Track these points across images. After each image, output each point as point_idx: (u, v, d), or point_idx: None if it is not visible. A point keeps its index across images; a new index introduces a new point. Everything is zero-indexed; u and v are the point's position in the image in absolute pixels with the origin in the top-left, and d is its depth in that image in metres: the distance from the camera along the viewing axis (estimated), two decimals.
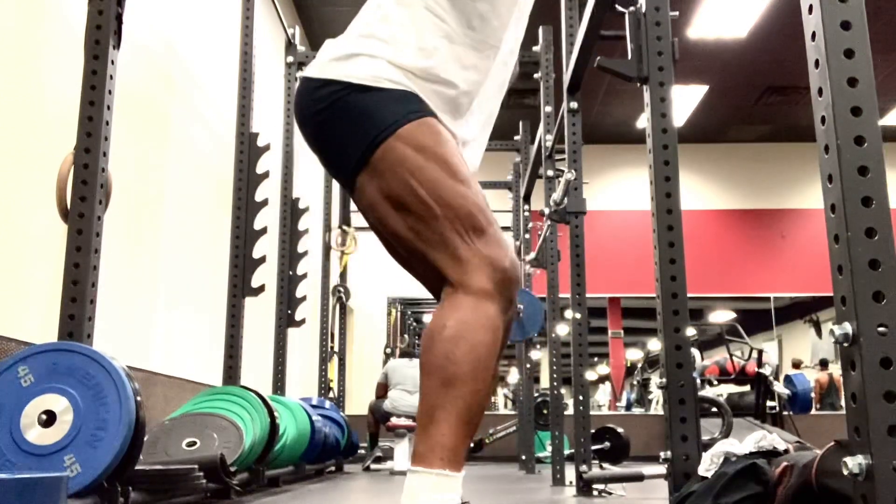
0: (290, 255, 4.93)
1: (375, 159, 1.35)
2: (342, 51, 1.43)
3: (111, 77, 2.32)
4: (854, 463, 1.01)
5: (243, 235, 3.94)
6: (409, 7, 1.43)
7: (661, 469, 2.51)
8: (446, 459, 1.23)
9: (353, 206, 7.32)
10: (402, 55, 1.39)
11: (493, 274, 1.31)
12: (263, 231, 4.00)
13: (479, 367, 1.27)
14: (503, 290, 1.31)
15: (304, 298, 4.93)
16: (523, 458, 6.14)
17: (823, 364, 10.48)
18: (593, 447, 5.01)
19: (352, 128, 1.38)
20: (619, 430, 5.88)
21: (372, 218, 1.42)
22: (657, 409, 10.12)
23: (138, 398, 1.97)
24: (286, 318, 4.82)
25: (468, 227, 1.32)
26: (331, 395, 7.51)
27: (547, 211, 3.91)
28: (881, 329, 1.03)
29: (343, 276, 7.89)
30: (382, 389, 6.46)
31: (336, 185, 7.64)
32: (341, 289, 7.73)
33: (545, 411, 6.75)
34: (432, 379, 1.27)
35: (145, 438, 2.28)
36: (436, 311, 1.33)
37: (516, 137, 6.84)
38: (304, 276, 5.04)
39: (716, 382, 7.95)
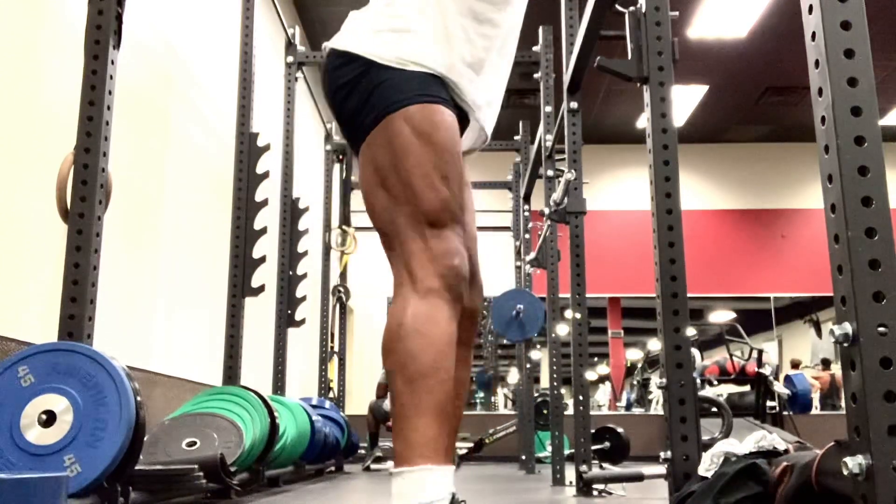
0: (290, 255, 4.92)
1: (376, 130, 1.39)
2: (369, 26, 1.47)
3: (111, 77, 2.32)
4: (854, 463, 1.01)
5: (243, 235, 3.93)
6: None
7: (661, 469, 2.52)
8: (427, 455, 1.22)
9: (353, 207, 7.33)
10: (423, 41, 1.42)
11: (439, 269, 1.32)
12: (263, 231, 4.00)
13: (438, 357, 1.28)
14: (450, 286, 1.32)
15: (304, 298, 4.93)
16: (523, 458, 6.14)
17: (825, 364, 10.47)
18: (593, 447, 5.01)
19: (366, 100, 1.41)
20: (619, 430, 5.87)
21: (363, 188, 1.46)
22: (657, 409, 10.11)
23: (138, 398, 1.97)
24: (286, 318, 4.82)
25: (428, 221, 1.33)
26: (331, 395, 7.50)
27: (547, 211, 3.91)
28: (881, 329, 1.03)
29: (343, 276, 7.89)
30: (382, 389, 6.46)
31: (336, 186, 7.64)
32: (341, 289, 7.72)
33: (545, 411, 6.74)
34: (397, 378, 1.28)
35: (145, 438, 2.28)
36: (389, 309, 1.36)
37: (516, 137, 6.83)
38: (304, 276, 5.03)
39: (716, 382, 7.94)
